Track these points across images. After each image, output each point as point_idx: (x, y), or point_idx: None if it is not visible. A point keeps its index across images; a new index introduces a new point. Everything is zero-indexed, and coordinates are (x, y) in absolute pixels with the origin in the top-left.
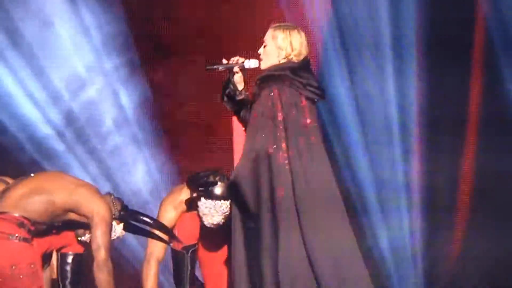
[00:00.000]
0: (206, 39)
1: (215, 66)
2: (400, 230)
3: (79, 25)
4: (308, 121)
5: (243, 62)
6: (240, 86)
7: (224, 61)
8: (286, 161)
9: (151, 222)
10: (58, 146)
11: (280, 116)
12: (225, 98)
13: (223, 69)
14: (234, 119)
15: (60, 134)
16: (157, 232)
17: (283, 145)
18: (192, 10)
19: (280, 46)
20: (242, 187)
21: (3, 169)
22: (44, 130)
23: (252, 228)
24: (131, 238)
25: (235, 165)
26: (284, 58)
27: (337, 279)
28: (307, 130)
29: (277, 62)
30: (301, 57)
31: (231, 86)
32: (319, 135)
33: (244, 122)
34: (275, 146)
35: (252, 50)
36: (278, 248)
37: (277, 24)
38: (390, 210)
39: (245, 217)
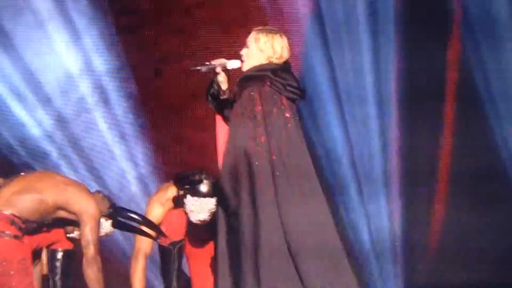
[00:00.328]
0: (188, 37)
1: (198, 67)
2: (380, 221)
3: (63, 19)
4: (288, 119)
5: (225, 63)
6: (224, 86)
7: (207, 62)
8: (267, 157)
9: (139, 218)
10: (46, 145)
11: (260, 115)
12: (209, 98)
13: (206, 70)
14: (218, 117)
15: (47, 133)
16: (144, 228)
17: (264, 142)
18: (175, 11)
19: (262, 49)
20: (225, 184)
21: None
22: (32, 130)
23: (235, 225)
24: (119, 235)
25: (219, 162)
26: (265, 60)
27: (313, 253)
28: (288, 127)
29: (259, 64)
30: (282, 60)
31: (215, 86)
32: (300, 132)
33: (227, 121)
34: (255, 143)
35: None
36: (260, 245)
37: (260, 28)
38: (369, 201)
39: (227, 213)
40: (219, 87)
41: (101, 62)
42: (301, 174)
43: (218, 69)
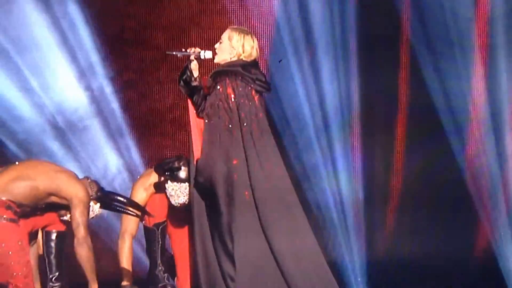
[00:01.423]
0: (165, 33)
1: (174, 52)
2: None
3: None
4: (258, 108)
5: (199, 52)
6: (195, 73)
7: (183, 49)
8: (241, 143)
9: (125, 201)
10: (41, 138)
11: (233, 104)
12: (182, 83)
13: (180, 56)
14: (189, 101)
15: (37, 127)
16: (130, 210)
17: (237, 130)
18: (149, 8)
19: (234, 46)
20: (201, 173)
21: None
22: (25, 124)
23: (211, 210)
24: (107, 217)
25: (193, 146)
26: (235, 56)
27: (299, 269)
28: (258, 117)
29: (229, 59)
30: (251, 58)
31: (188, 73)
32: (266, 123)
33: (196, 106)
34: (229, 132)
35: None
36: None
37: (235, 27)
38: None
39: (204, 199)
40: (191, 73)
41: (86, 56)
42: (269, 156)
43: (192, 57)
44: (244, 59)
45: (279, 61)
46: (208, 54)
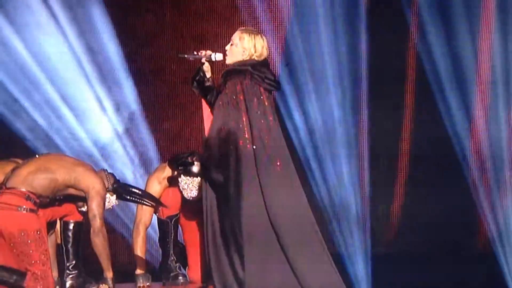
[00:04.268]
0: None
1: (186, 55)
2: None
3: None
4: (267, 107)
5: (210, 54)
6: (208, 74)
7: (195, 52)
8: (249, 140)
9: (140, 193)
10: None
11: (242, 102)
12: (195, 84)
13: (192, 59)
14: (203, 101)
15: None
16: (145, 200)
17: (245, 126)
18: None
19: (245, 47)
20: (210, 159)
21: (15, 152)
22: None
23: (219, 197)
24: (124, 209)
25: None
26: (248, 56)
27: (290, 227)
28: (267, 114)
29: (241, 59)
30: (262, 58)
31: (201, 74)
32: (276, 119)
33: (210, 105)
34: (238, 126)
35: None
36: (241, 207)
37: (244, 28)
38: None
39: (212, 185)
40: (204, 74)
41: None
42: (279, 155)
43: (204, 60)
44: (256, 58)
45: (286, 65)
46: (219, 56)
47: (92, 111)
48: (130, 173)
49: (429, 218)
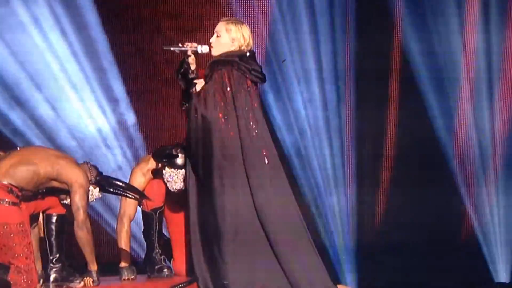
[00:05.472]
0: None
1: (172, 48)
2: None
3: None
4: (253, 98)
5: (196, 47)
6: (193, 66)
7: (180, 44)
8: (235, 130)
9: (124, 185)
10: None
11: (229, 93)
12: (179, 76)
13: (178, 51)
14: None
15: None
16: (129, 193)
17: (232, 117)
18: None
19: (234, 38)
20: (194, 148)
21: None
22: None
23: (204, 189)
24: (105, 202)
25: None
26: (237, 47)
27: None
28: (253, 105)
29: (229, 50)
30: (249, 47)
31: (185, 66)
32: (261, 110)
33: (192, 97)
34: (225, 117)
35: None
36: (224, 201)
37: (228, 18)
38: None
39: (197, 175)
40: (189, 67)
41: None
42: (266, 147)
43: (189, 52)
44: (244, 49)
45: (282, 61)
46: (205, 49)
47: (73, 105)
48: (114, 166)
49: (414, 214)
